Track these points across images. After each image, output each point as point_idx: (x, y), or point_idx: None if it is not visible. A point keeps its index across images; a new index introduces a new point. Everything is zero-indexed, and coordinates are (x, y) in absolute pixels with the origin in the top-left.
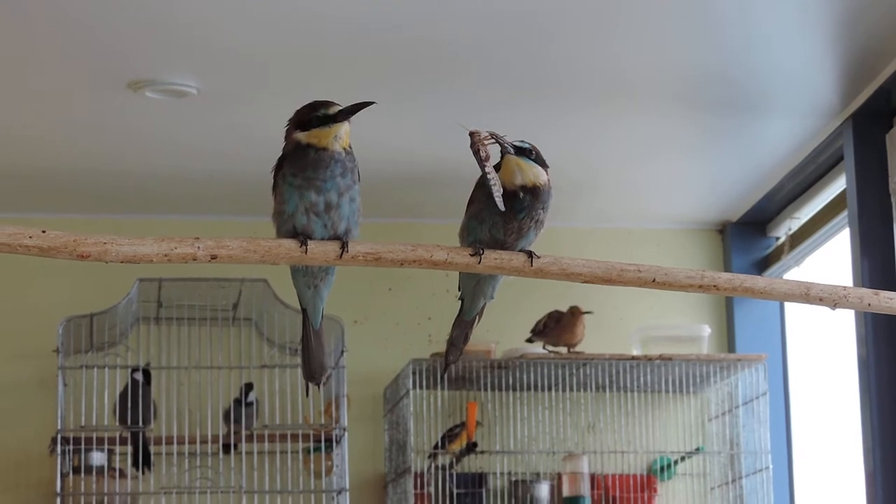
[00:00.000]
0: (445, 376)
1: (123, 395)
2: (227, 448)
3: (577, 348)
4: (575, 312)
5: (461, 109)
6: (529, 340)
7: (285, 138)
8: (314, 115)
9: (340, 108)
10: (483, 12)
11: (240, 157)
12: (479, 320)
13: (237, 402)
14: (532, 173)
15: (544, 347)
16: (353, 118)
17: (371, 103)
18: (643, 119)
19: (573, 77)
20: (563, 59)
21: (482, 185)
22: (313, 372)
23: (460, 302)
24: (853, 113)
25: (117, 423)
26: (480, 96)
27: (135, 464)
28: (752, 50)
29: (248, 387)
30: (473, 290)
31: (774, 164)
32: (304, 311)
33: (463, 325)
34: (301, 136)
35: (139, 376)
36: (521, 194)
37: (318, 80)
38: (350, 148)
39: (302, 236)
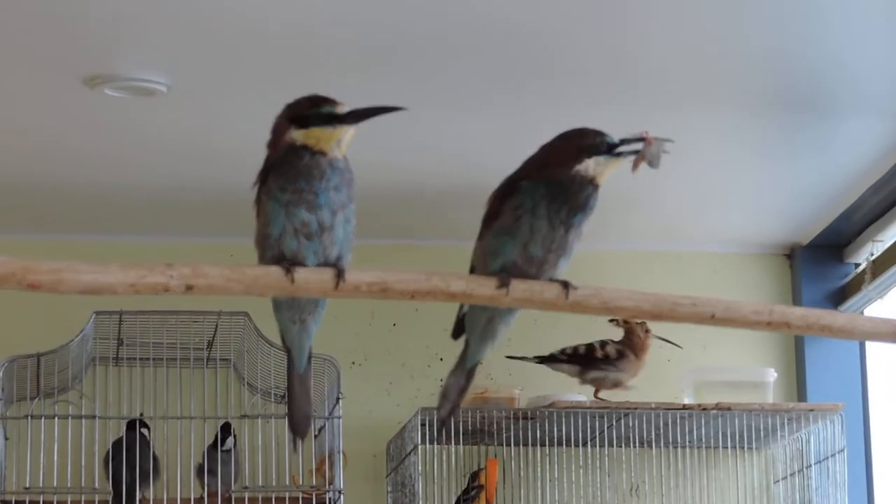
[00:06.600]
0: (460, 428)
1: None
2: None
3: (620, 394)
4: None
5: (468, 112)
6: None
7: (274, 138)
8: (316, 112)
9: (350, 108)
10: (487, 7)
11: (218, 166)
12: (478, 368)
13: (212, 447)
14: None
15: (581, 381)
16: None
17: (395, 109)
18: (692, 119)
19: (603, 68)
20: (590, 47)
21: (499, 196)
22: (297, 424)
23: (465, 344)
24: None
25: (108, 481)
26: (492, 95)
27: None
28: (828, 38)
29: (226, 429)
30: (483, 329)
31: (853, 177)
32: (287, 350)
33: (460, 372)
34: (297, 135)
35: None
36: (591, 188)
37: (311, 78)
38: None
39: (287, 262)
